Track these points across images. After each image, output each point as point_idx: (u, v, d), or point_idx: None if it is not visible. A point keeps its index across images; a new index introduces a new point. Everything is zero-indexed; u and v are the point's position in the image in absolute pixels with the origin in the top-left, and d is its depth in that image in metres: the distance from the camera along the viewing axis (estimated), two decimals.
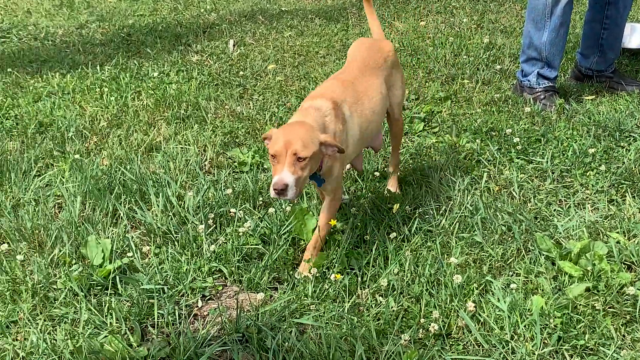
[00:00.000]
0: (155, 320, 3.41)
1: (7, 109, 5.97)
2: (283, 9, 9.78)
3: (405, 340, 3.17)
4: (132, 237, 4.00)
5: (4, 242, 3.98)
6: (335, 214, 3.77)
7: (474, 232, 3.95)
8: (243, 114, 5.89)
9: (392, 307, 3.39)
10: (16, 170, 4.73)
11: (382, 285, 3.52)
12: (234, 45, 8.01)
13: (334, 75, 3.95)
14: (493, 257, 3.73)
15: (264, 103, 6.15)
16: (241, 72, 7.04)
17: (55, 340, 3.28)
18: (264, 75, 7.00)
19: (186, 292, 3.62)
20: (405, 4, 9.44)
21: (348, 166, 4.58)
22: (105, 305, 3.49)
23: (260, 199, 4.39)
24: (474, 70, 6.69)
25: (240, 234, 3.98)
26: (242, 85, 6.66)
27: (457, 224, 4.01)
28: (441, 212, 4.18)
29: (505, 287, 3.49)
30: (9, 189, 4.52)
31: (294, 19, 9.03)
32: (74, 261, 3.79)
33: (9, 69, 7.10)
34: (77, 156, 4.95)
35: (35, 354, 3.18)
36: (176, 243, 3.95)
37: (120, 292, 3.59)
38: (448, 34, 7.99)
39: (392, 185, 4.50)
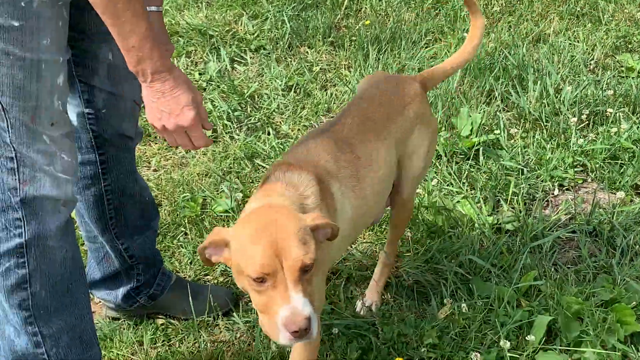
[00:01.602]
0: (509, 196, 3.49)
1: None
2: None
3: None
4: (503, 118, 4.06)
5: None
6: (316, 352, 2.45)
7: None
8: None
9: None
10: (407, 39, 4.99)
11: None
12: None
13: (327, 124, 2.58)
14: None
15: None
16: None
17: None
18: None
19: (544, 179, 3.63)
20: None
21: None
22: (464, 173, 3.65)
23: None
24: None
25: (612, 134, 3.85)
26: None
27: None
28: None
29: None
30: (397, 55, 4.80)
31: None
32: (443, 128, 3.97)
33: None
34: (465, 34, 5.08)
35: None
36: (545, 131, 3.94)
37: (480, 164, 3.71)
38: None
39: (371, 292, 3.02)
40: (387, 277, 3.02)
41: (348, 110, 2.58)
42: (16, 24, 1.93)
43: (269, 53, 4.89)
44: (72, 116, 2.41)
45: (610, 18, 5.56)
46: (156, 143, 4.06)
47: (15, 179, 2.08)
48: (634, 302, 2.78)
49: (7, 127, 2.02)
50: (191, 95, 2.10)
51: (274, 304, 1.96)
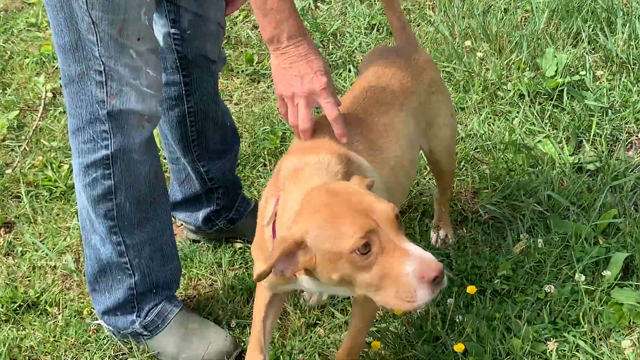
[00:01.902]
0: (591, 137, 3.43)
1: None
2: None
3: None
4: (589, 59, 3.97)
5: (467, 40, 4.22)
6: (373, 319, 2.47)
7: None
8: None
9: None
10: None
11: None
12: None
13: None
14: None
15: None
16: None
17: (492, 131, 3.51)
18: None
19: (629, 120, 3.55)
20: None
21: None
22: (546, 113, 3.59)
23: None
24: None
25: None
26: None
27: None
28: None
29: None
30: None
31: None
32: (527, 68, 3.91)
33: None
34: None
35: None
36: (632, 74, 3.84)
37: (564, 105, 3.65)
38: None
39: (445, 224, 2.99)
40: (448, 210, 2.98)
41: (354, 86, 2.46)
42: None
43: None
44: (159, 36, 2.47)
45: None
46: (238, 78, 4.13)
47: (103, 92, 2.16)
48: None
49: (97, 40, 2.09)
50: (322, 61, 2.08)
51: (393, 267, 1.74)
